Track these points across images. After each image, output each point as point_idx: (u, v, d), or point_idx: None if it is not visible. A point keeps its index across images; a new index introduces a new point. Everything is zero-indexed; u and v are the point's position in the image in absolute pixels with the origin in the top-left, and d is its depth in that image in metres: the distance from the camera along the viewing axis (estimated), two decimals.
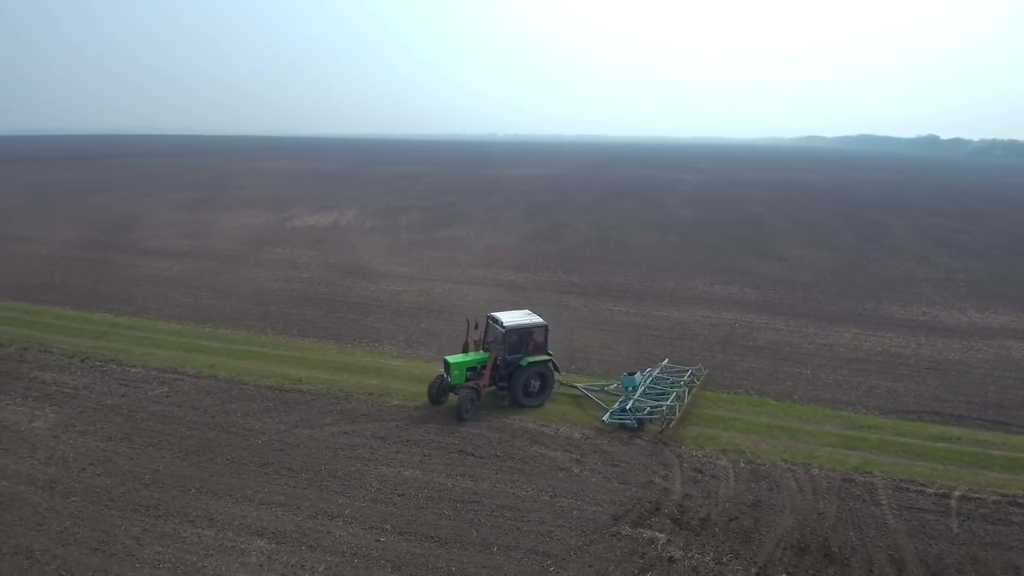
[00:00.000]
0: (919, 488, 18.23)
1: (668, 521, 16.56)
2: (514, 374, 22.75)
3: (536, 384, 23.02)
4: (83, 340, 29.60)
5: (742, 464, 19.45)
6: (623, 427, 21.41)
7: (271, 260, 47.75)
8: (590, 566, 14.83)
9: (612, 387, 24.39)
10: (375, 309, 35.33)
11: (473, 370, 22.87)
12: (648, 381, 24.26)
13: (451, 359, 22.93)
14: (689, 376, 25.18)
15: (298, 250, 51.44)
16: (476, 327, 23.58)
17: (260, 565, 14.64)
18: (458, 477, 18.46)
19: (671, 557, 15.16)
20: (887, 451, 20.42)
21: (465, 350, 23.62)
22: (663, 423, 21.37)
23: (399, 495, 17.53)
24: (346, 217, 69.65)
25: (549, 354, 23.52)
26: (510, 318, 23.60)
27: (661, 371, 25.65)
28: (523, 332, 23.19)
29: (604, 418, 21.84)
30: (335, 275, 43.11)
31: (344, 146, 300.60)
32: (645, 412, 21.84)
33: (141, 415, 22.08)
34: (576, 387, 24.46)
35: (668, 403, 22.25)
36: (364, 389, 24.35)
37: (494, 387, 23.19)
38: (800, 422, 22.48)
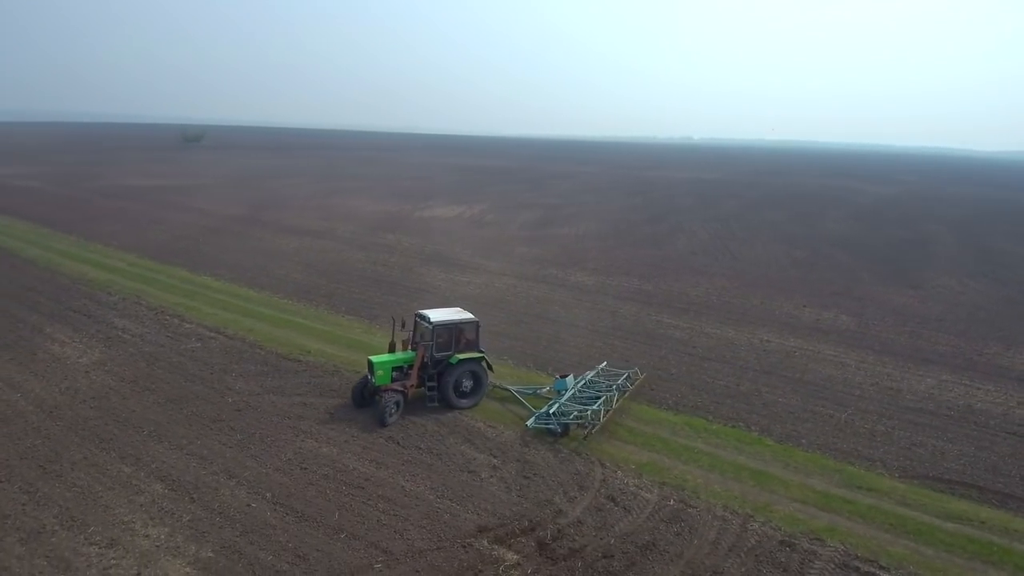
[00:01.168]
0: (874, 573, 14.70)
1: (533, 544, 15.20)
2: (444, 373, 21.78)
3: (469, 384, 22.07)
4: (171, 296, 34.45)
5: (671, 502, 17.14)
6: (549, 432, 20.20)
7: (375, 244, 51.23)
8: (417, 571, 14.19)
9: (544, 390, 23.14)
10: (426, 296, 36.36)
11: (399, 370, 21.78)
12: (581, 384, 23.00)
13: (375, 359, 21.72)
14: (623, 380, 23.84)
15: (406, 237, 54.51)
16: (403, 326, 22.78)
17: (142, 505, 16.11)
18: (366, 462, 18.59)
19: None
20: (870, 521, 16.66)
21: (391, 350, 22.63)
22: (587, 429, 20.16)
23: (301, 468, 18.14)
24: (473, 210, 72.19)
25: (482, 352, 22.55)
26: (439, 315, 22.64)
27: (597, 374, 24.22)
28: (452, 328, 22.18)
29: (528, 423, 20.66)
30: (417, 262, 45.11)
31: (532, 145, 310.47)
32: (571, 417, 20.48)
33: (160, 364, 25.24)
34: (507, 388, 23.40)
35: (593, 408, 20.90)
36: (356, 367, 25.36)
37: (423, 388, 22.00)
38: (784, 469, 19.16)
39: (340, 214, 65.70)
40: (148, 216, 61.07)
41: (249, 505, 16.32)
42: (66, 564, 13.91)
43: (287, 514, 16.01)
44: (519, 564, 14.51)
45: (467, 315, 22.90)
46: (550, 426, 20.31)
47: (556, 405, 21.12)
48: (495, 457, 19.14)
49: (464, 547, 14.99)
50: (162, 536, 14.96)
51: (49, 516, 15.49)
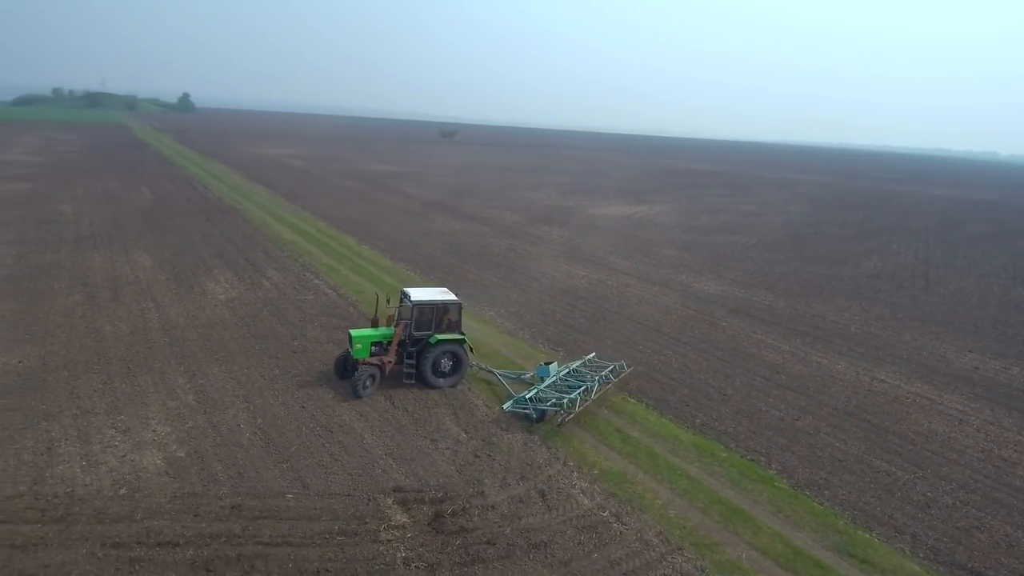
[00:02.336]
0: None
1: (430, 514, 15.42)
2: (423, 352, 21.95)
3: (448, 364, 22.09)
4: (325, 258, 40.02)
5: (604, 513, 15.92)
6: (527, 418, 20.03)
7: (526, 234, 52.94)
8: (315, 509, 15.36)
9: (528, 376, 22.77)
10: (532, 284, 37.00)
11: (379, 345, 22.11)
12: (563, 373, 22.66)
13: (354, 332, 22.13)
14: (608, 372, 23.18)
15: (559, 230, 55.28)
16: (388, 302, 22.99)
17: (169, 409, 19.69)
18: (355, 413, 20.16)
19: (379, 538, 14.49)
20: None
21: (374, 325, 22.92)
22: (562, 416, 19.94)
23: (301, 407, 20.34)
24: (648, 211, 70.20)
25: (463, 334, 22.39)
26: (421, 293, 22.68)
27: (583, 364, 23.85)
28: (433, 309, 22.26)
29: (504, 406, 20.51)
30: (550, 253, 45.77)
31: (774, 152, 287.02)
32: (548, 404, 20.09)
33: (271, 308, 29.74)
34: (492, 371, 23.38)
35: (571, 396, 20.48)
36: None
37: (401, 365, 22.16)
38: (771, 514, 16.43)
39: (516, 205, 68.82)
40: (360, 195, 70.59)
41: (238, 425, 19.02)
42: (85, 437, 17.84)
43: (259, 439, 18.35)
44: (404, 527, 14.92)
45: (451, 297, 23.01)
46: (526, 411, 20.21)
47: (535, 391, 20.89)
48: (466, 432, 19.48)
49: (369, 500, 15.81)
50: (163, 434, 18.29)
51: (103, 403, 19.89)
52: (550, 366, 22.53)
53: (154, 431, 18.45)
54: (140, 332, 25.87)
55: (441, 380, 22.16)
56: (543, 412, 20.08)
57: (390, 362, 21.89)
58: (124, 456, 17.07)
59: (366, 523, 14.97)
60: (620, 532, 15.29)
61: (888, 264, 49.03)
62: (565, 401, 20.23)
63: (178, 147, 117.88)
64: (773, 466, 18.80)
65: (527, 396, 20.61)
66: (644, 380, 24.18)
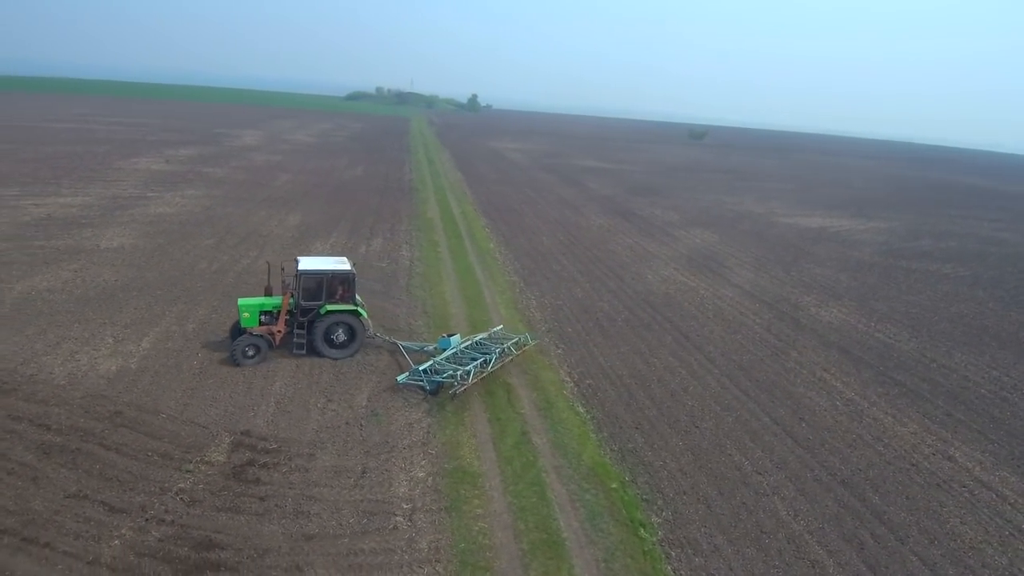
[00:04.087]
0: None
1: (243, 460, 15.89)
2: (313, 323, 21.49)
3: (341, 335, 21.58)
4: (436, 235, 42.32)
5: (405, 506, 14.80)
6: (421, 389, 19.84)
7: (670, 236, 48.91)
8: (168, 430, 16.92)
9: (430, 348, 21.99)
10: (607, 282, 34.39)
11: (268, 314, 21.80)
12: (465, 345, 22.30)
13: (241, 301, 21.85)
14: (510, 345, 22.74)
15: (709, 234, 49.94)
16: (283, 270, 22.40)
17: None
18: (271, 355, 21.56)
19: (183, 467, 15.50)
20: None
21: (268, 294, 22.56)
22: (455, 388, 19.76)
23: (221, 343, 22.35)
24: (858, 226, 59.03)
25: (355, 305, 21.65)
26: (311, 263, 21.93)
27: (489, 337, 23.43)
28: (321, 278, 21.67)
29: (399, 378, 20.20)
30: (666, 256, 41.81)
31: None
32: (444, 376, 19.69)
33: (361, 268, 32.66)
34: (395, 342, 23.21)
35: (465, 368, 20.28)
36: (439, 319, 27.63)
37: (291, 334, 21.79)
38: (597, 552, 13.49)
39: (690, 207, 63.70)
40: (541, 186, 71.98)
41: (197, 354, 21.61)
42: (89, 341, 21.99)
43: (201, 369, 20.63)
44: (212, 464, 15.75)
45: (344, 266, 22.19)
46: (420, 383, 19.99)
47: (431, 363, 20.58)
48: (368, 400, 19.49)
49: (214, 435, 16.90)
50: (140, 350, 21.52)
51: (130, 318, 24.15)
52: (452, 338, 22.03)
53: (138, 346, 21.96)
54: (220, 273, 30.57)
55: (334, 351, 21.73)
56: (438, 384, 19.79)
57: (279, 331, 21.57)
58: (95, 359, 20.70)
59: (189, 452, 16.14)
60: (395, 526, 14.12)
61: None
62: (459, 373, 19.84)
63: (430, 138, 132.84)
64: (660, 515, 15.34)
65: (421, 368, 20.29)
66: (617, 388, 21.32)
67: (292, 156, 79.07)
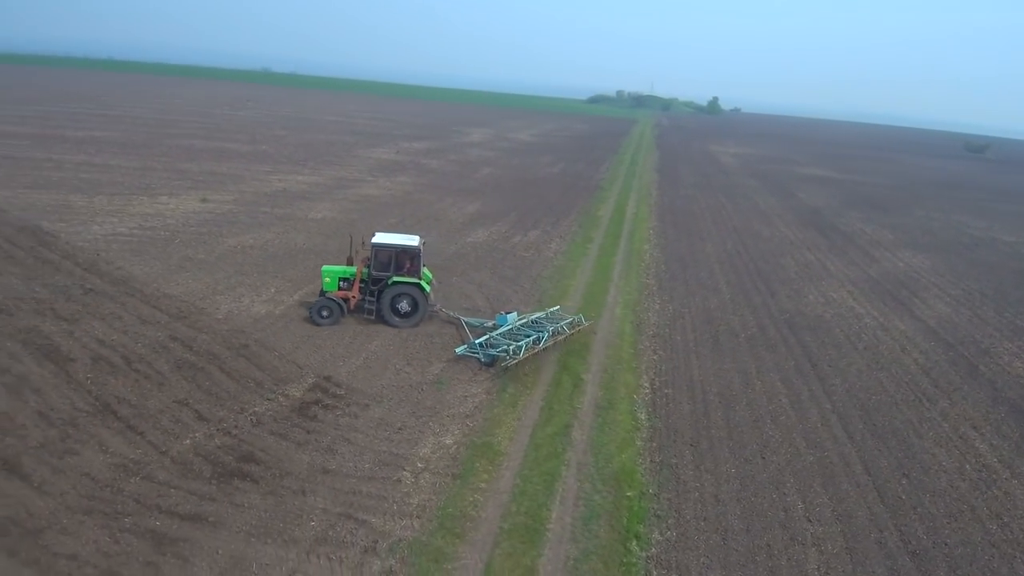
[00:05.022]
0: None
1: (311, 400, 18.33)
2: (382, 292, 23.60)
3: (405, 305, 23.34)
4: (593, 232, 42.63)
5: (419, 465, 15.97)
6: (480, 362, 21.30)
7: (868, 258, 42.86)
8: (258, 364, 20.14)
9: (490, 324, 23.94)
10: (765, 305, 31.57)
11: (346, 280, 24.27)
12: (522, 322, 23.44)
13: (325, 268, 24.79)
14: (564, 324, 23.55)
15: (929, 260, 42.55)
16: (363, 243, 24.73)
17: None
18: (363, 324, 23.95)
19: (265, 395, 18.42)
20: None
21: (349, 263, 24.86)
22: (507, 361, 20.82)
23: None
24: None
25: (419, 279, 23.10)
26: (384, 237, 23.83)
27: (546, 316, 24.52)
28: (391, 251, 23.78)
29: (457, 349, 21.72)
30: (854, 282, 36.72)
31: None
32: (499, 350, 20.95)
33: (478, 249, 34.91)
34: (458, 316, 24.76)
35: (517, 344, 21.38)
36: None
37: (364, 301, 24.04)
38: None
39: (925, 229, 54.53)
40: (737, 192, 67.52)
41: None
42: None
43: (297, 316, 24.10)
44: (288, 397, 18.48)
45: (413, 242, 23.97)
46: (476, 355, 21.39)
47: (486, 337, 21.79)
48: (443, 366, 21.20)
49: (302, 377, 19.73)
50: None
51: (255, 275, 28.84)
52: (509, 315, 23.30)
53: (291, 296, 26.14)
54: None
55: (398, 319, 23.78)
56: (493, 357, 21.15)
57: (354, 297, 24.10)
58: (253, 303, 25.20)
59: (276, 385, 19.06)
60: (399, 479, 15.42)
61: None
62: (512, 348, 21.02)
63: (648, 139, 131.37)
64: (663, 534, 14.44)
65: (478, 341, 21.65)
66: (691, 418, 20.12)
67: (505, 153, 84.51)
